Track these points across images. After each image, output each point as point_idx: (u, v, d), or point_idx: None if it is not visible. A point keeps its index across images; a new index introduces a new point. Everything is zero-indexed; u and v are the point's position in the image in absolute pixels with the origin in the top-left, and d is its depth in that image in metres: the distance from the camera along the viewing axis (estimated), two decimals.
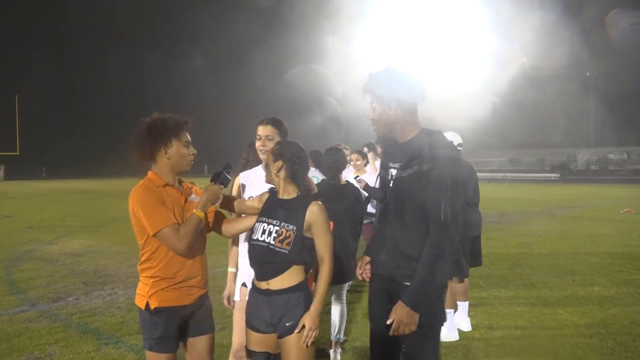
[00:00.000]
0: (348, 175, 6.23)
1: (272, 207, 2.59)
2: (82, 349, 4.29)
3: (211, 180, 2.67)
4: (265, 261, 2.48)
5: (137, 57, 74.17)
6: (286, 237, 2.45)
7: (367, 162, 6.58)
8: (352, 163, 6.19)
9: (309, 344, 2.40)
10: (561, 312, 5.20)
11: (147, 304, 2.47)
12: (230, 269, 3.04)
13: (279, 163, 2.56)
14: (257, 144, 3.02)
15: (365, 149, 6.85)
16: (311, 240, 2.50)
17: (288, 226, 2.47)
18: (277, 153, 2.58)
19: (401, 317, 2.26)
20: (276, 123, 3.04)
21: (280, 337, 2.45)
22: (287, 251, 2.45)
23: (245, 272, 2.97)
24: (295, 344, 2.40)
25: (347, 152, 6.52)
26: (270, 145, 2.90)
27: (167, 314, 2.48)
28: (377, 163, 6.82)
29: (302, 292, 2.48)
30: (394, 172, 2.44)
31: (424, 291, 2.27)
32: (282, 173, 2.57)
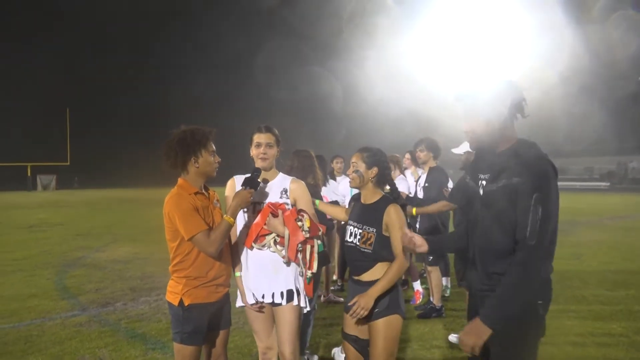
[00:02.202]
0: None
1: (356, 211, 2.94)
2: (130, 353, 4.41)
3: (242, 185, 2.85)
4: (355, 259, 2.85)
5: (181, 72, 76.58)
6: (368, 239, 2.78)
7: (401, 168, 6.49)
8: None
9: (353, 317, 2.70)
10: (615, 326, 4.97)
11: (181, 301, 2.71)
12: (238, 274, 3.04)
13: (374, 170, 2.88)
14: (256, 151, 3.02)
15: (408, 156, 6.75)
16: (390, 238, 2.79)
17: (369, 229, 2.80)
18: (372, 161, 2.89)
19: (470, 329, 2.10)
20: (272, 130, 3.08)
21: (369, 320, 2.77)
22: (370, 251, 2.77)
23: (248, 280, 2.99)
24: (381, 329, 2.74)
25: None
26: (271, 152, 3.03)
27: (199, 310, 2.72)
28: (407, 172, 6.73)
29: None
30: (484, 183, 2.27)
31: (502, 309, 2.06)
32: (375, 179, 2.89)
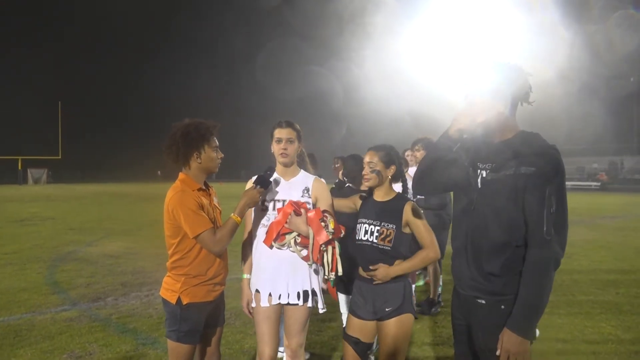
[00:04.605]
0: None
1: (370, 209, 2.88)
2: (120, 348, 4.39)
3: (253, 183, 2.80)
4: (371, 258, 2.78)
5: (170, 67, 76.27)
6: (387, 235, 2.75)
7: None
8: None
9: (369, 275, 2.75)
10: (604, 325, 5.01)
11: (179, 299, 2.64)
12: (245, 276, 2.99)
13: (393, 168, 2.87)
14: (277, 147, 2.95)
15: (409, 153, 6.74)
16: (409, 235, 2.79)
17: (388, 225, 2.76)
18: (389, 159, 2.86)
19: (509, 346, 1.96)
20: (293, 125, 3.01)
21: (380, 320, 2.74)
22: (389, 247, 2.74)
23: (259, 279, 2.92)
24: (393, 328, 2.70)
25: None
26: (292, 148, 2.95)
27: (197, 309, 2.68)
28: (412, 170, 6.71)
29: (402, 282, 2.78)
30: (484, 173, 2.11)
31: (532, 314, 1.96)
32: (393, 177, 2.88)
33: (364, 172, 2.88)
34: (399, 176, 2.91)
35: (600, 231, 12.64)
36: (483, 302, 2.08)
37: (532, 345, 2.10)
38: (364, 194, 3.04)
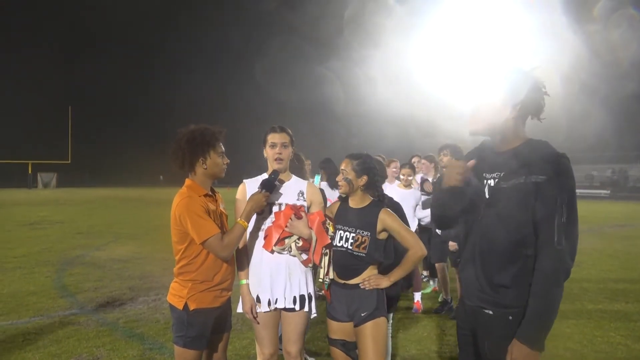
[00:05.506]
0: (392, 190, 6.11)
1: (345, 216, 2.89)
2: (127, 353, 4.40)
3: (259, 187, 2.81)
4: (346, 264, 2.80)
5: (178, 73, 76.81)
6: (362, 242, 2.76)
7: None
8: (402, 177, 5.86)
9: (365, 287, 2.75)
10: (614, 335, 4.96)
11: (186, 305, 2.66)
12: (244, 282, 2.97)
13: (364, 178, 2.84)
14: (271, 152, 2.97)
15: (416, 159, 6.78)
16: (383, 241, 2.81)
17: (363, 232, 2.77)
18: (362, 169, 2.84)
19: (519, 357, 1.93)
20: (287, 130, 3.03)
21: (356, 325, 2.76)
22: (364, 254, 2.75)
23: (257, 284, 2.93)
24: (370, 332, 2.71)
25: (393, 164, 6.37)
26: (287, 152, 2.98)
27: (204, 314, 2.69)
28: (418, 177, 6.71)
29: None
30: (492, 182, 2.08)
31: (543, 326, 1.93)
32: (364, 186, 2.86)
33: (337, 178, 2.91)
34: (373, 186, 2.89)
35: (608, 240, 12.53)
36: (490, 312, 2.06)
37: (540, 355, 2.09)
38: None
